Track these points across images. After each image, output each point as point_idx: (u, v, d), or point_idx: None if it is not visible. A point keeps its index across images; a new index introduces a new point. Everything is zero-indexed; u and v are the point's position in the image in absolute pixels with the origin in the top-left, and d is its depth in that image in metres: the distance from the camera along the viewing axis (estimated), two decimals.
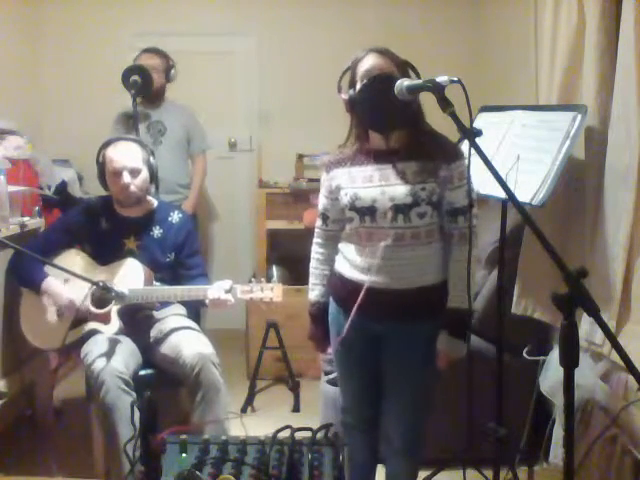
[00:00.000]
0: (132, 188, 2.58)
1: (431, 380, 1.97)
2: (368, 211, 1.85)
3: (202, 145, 3.89)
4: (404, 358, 1.93)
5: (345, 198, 1.89)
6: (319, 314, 2.06)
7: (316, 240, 2.07)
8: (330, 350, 2.12)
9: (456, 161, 1.84)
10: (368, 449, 2.13)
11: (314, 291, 2.07)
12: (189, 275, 2.68)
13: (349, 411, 2.11)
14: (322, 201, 2.02)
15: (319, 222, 2.05)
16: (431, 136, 1.89)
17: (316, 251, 2.07)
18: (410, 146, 1.85)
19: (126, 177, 2.56)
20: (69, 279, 2.57)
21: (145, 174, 2.62)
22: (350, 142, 1.94)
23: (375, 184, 1.86)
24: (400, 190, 1.82)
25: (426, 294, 1.87)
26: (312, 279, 2.08)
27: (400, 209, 1.82)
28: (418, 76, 1.85)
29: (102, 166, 2.63)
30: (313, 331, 2.11)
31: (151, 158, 2.66)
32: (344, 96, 1.88)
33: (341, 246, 1.99)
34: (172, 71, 3.69)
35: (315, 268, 2.07)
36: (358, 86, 1.83)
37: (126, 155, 2.59)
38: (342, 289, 1.96)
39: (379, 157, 1.87)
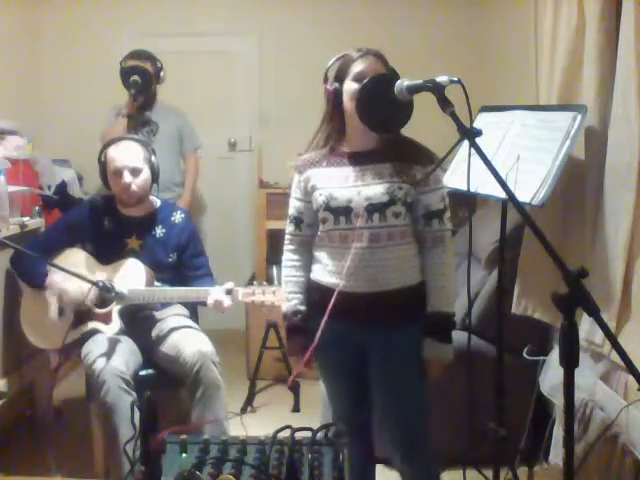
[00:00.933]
0: (133, 187, 2.58)
1: (422, 383, 1.93)
2: (344, 211, 1.82)
3: (194, 144, 3.89)
4: (391, 366, 1.89)
5: (320, 198, 1.86)
6: (299, 325, 1.94)
7: (288, 247, 1.99)
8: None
9: (431, 165, 1.83)
10: (364, 452, 2.10)
11: (292, 301, 1.95)
12: (195, 275, 2.68)
13: (340, 419, 2.05)
14: (295, 204, 1.96)
15: (291, 227, 1.98)
16: (407, 140, 1.88)
17: (289, 259, 1.98)
18: (388, 148, 1.84)
19: (127, 177, 2.56)
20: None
21: (146, 174, 2.62)
22: (318, 138, 1.91)
23: (350, 184, 1.84)
24: (377, 189, 1.81)
25: (406, 296, 1.85)
26: (289, 288, 1.96)
27: (377, 207, 1.80)
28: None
29: (104, 165, 2.63)
30: (295, 346, 1.96)
31: (153, 157, 2.67)
32: (329, 86, 1.86)
33: (315, 253, 1.94)
34: (161, 73, 3.67)
35: (292, 276, 1.97)
36: (349, 83, 1.81)
37: (127, 154, 2.59)
38: (320, 297, 1.89)
39: (355, 158, 1.86)
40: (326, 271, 1.89)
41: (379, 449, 2.13)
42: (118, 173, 2.57)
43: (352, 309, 1.83)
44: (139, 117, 3.64)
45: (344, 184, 1.85)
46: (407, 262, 1.86)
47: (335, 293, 1.80)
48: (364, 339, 1.91)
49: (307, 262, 1.97)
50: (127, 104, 3.49)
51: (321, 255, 1.91)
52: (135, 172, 2.58)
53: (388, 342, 1.88)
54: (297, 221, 1.97)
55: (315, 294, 1.94)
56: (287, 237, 2.01)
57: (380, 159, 1.84)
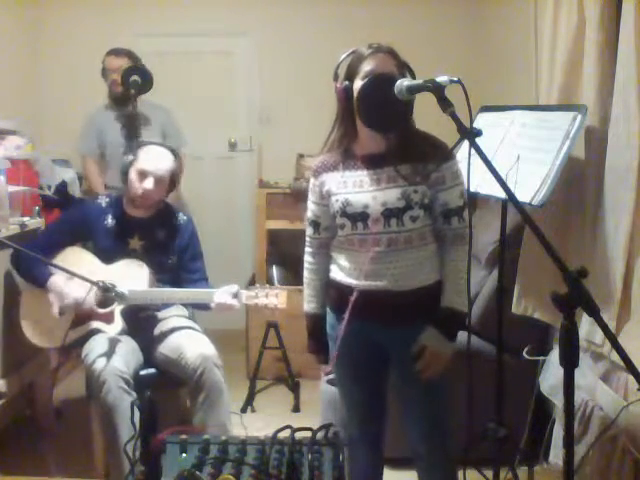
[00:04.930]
0: (153, 195, 2.59)
1: (445, 378, 1.90)
2: (360, 217, 1.82)
3: (177, 142, 3.85)
4: (412, 363, 1.87)
5: (336, 204, 1.85)
6: (317, 326, 2.00)
7: (308, 250, 2.01)
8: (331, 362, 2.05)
9: (447, 161, 1.81)
10: (375, 458, 2.08)
11: (311, 303, 2.00)
12: (190, 279, 2.68)
13: (352, 425, 2.05)
14: (312, 208, 1.97)
15: (310, 231, 1.99)
16: (421, 137, 1.85)
17: (309, 261, 2.00)
18: (400, 149, 1.82)
19: (149, 183, 2.55)
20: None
21: (167, 184, 2.63)
22: (332, 139, 1.90)
23: (366, 189, 1.83)
24: (392, 194, 1.80)
25: (424, 294, 1.85)
26: (308, 291, 2.01)
27: (393, 213, 1.80)
28: (414, 78, 1.81)
29: (132, 160, 2.59)
30: (313, 345, 2.04)
31: (178, 170, 2.69)
32: (339, 85, 1.83)
33: (333, 254, 1.95)
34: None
35: (311, 280, 2.00)
36: (358, 82, 1.79)
37: (157, 161, 2.58)
38: (339, 297, 1.91)
39: (368, 161, 1.84)
40: (345, 272, 1.89)
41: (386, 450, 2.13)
42: (143, 175, 2.55)
43: (371, 308, 1.84)
44: (118, 118, 3.62)
45: (359, 189, 1.84)
46: (426, 262, 1.85)
47: (355, 292, 1.82)
48: (383, 338, 1.91)
49: (326, 264, 1.98)
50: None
51: (340, 257, 1.92)
52: (158, 180, 2.57)
53: (407, 340, 1.85)
54: (315, 225, 1.97)
55: (334, 293, 1.95)
56: (307, 240, 2.01)
57: (394, 161, 1.81)
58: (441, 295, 1.86)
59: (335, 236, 1.94)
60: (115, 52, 3.65)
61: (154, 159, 2.59)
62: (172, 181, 2.65)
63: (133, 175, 2.58)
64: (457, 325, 1.86)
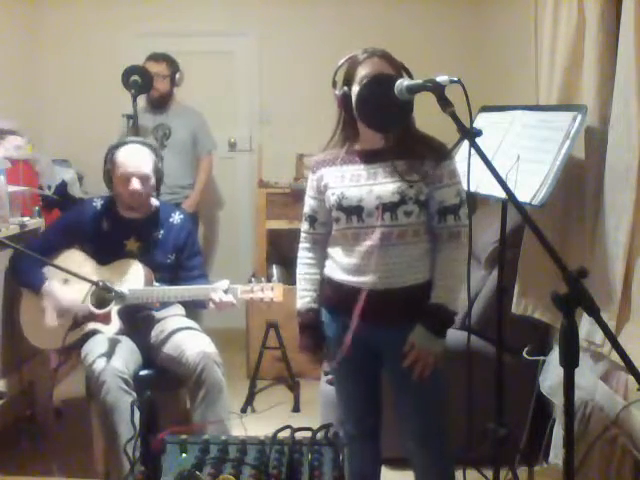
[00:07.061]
0: (141, 194, 2.58)
1: (438, 377, 1.90)
2: (355, 210, 1.83)
3: (208, 146, 3.93)
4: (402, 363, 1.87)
5: (332, 198, 1.87)
6: (312, 322, 1.98)
7: (303, 245, 2.01)
8: (326, 361, 2.07)
9: (445, 160, 1.83)
10: (370, 458, 2.08)
11: (305, 298, 1.98)
12: (189, 276, 2.68)
13: (348, 421, 2.06)
14: (309, 203, 1.98)
15: (306, 226, 2.00)
16: (420, 136, 1.87)
17: (304, 256, 2.00)
18: (399, 146, 1.83)
19: (136, 184, 2.54)
20: (68, 280, 2.57)
21: (153, 181, 2.62)
22: (335, 140, 1.92)
23: (362, 183, 1.85)
24: (387, 188, 1.81)
25: (415, 293, 1.84)
26: (303, 285, 1.99)
27: (387, 207, 1.81)
28: (411, 79, 1.82)
29: (110, 167, 2.59)
30: (305, 342, 1.99)
31: (159, 164, 2.65)
32: (337, 92, 1.86)
33: (328, 250, 1.96)
34: (177, 75, 3.73)
35: (305, 274, 1.99)
36: (355, 87, 1.81)
37: (137, 161, 2.56)
38: (334, 294, 1.92)
39: (367, 157, 1.86)
40: (339, 268, 1.90)
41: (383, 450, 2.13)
42: (127, 179, 2.55)
43: (365, 305, 1.83)
44: (150, 121, 3.65)
45: (356, 183, 1.85)
46: (420, 259, 1.85)
47: (364, 294, 1.82)
48: (378, 336, 1.90)
49: (321, 260, 1.99)
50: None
51: (335, 252, 1.92)
52: (144, 179, 2.57)
53: (398, 339, 1.85)
54: (311, 219, 1.98)
55: (328, 290, 1.95)
56: (302, 235, 2.02)
57: (391, 156, 1.83)
58: (430, 292, 1.86)
59: (331, 232, 1.95)
60: (154, 57, 3.70)
61: (133, 159, 2.56)
62: (157, 177, 2.64)
63: (117, 180, 2.58)
64: (445, 322, 1.85)
